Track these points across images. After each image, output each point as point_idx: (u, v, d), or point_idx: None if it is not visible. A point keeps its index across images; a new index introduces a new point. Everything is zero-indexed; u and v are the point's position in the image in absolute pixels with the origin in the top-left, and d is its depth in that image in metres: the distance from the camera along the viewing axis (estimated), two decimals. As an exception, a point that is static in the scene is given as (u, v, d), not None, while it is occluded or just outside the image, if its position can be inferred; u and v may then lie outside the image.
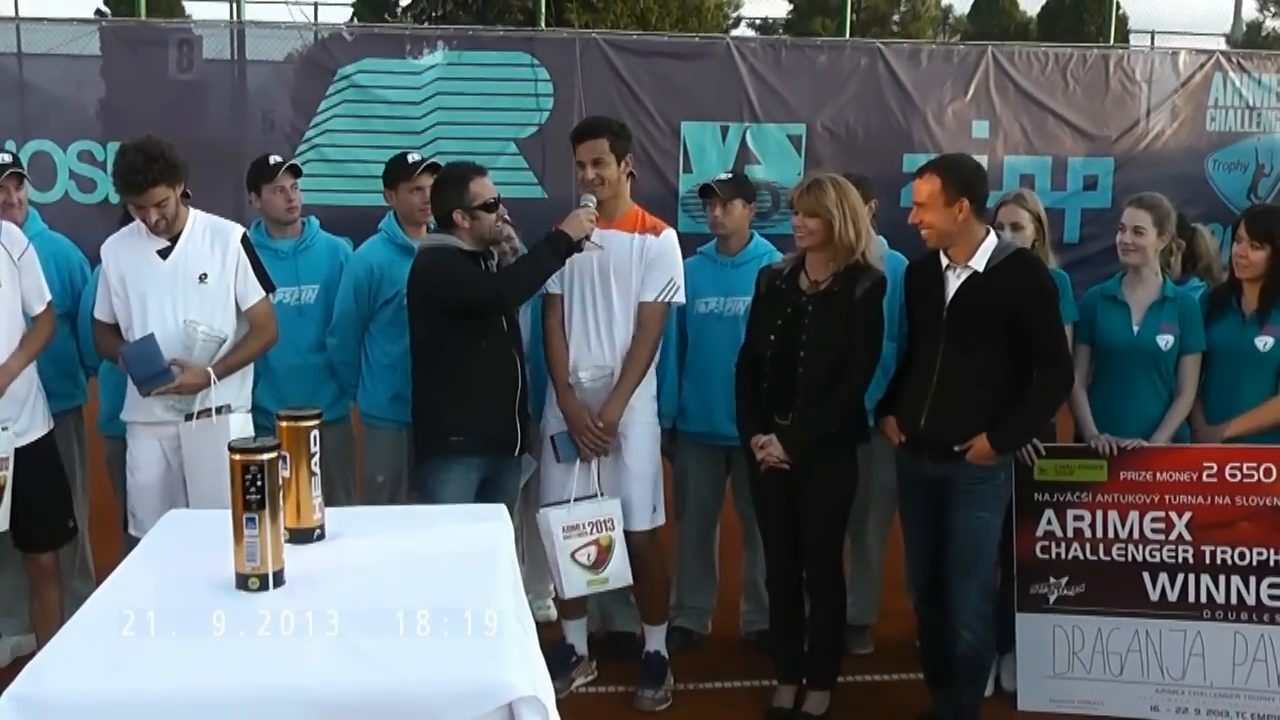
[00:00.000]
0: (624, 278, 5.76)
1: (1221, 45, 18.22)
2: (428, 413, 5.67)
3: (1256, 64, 15.16)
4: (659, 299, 5.77)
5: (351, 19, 28.38)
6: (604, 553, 5.78)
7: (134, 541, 4.13)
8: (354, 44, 11.97)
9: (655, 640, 6.11)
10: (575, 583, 5.82)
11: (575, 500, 5.79)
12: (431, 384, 5.63)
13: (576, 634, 6.20)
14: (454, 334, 5.53)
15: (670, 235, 5.83)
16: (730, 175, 6.71)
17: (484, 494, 5.49)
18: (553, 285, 5.81)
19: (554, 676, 5.65)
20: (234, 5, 19.34)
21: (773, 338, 5.45)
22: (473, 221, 5.55)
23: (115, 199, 9.90)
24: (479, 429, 5.58)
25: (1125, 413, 5.81)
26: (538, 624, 3.57)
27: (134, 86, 11.30)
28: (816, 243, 5.41)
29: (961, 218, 5.10)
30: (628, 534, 5.87)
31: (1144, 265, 5.87)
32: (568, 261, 5.66)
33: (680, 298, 5.86)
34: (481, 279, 5.57)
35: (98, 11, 29.24)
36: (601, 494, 5.82)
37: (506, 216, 5.75)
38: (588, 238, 5.54)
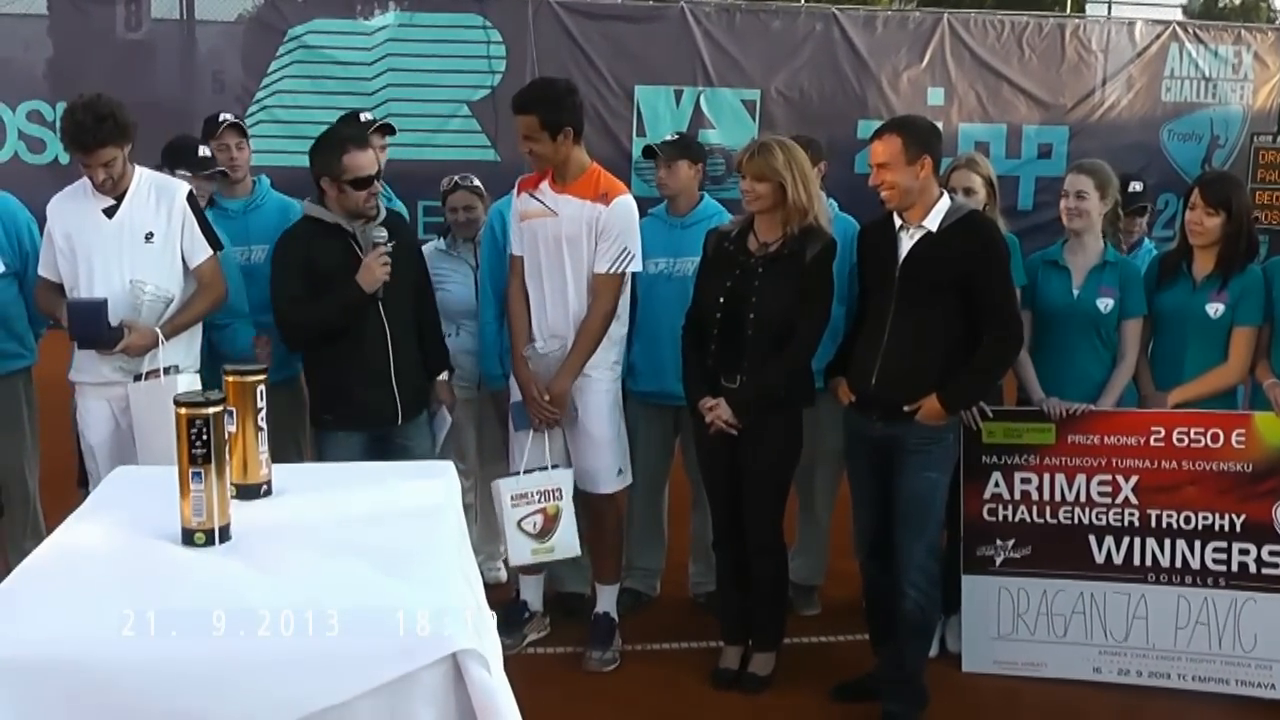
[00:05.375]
0: (576, 247, 5.72)
1: (1178, 16, 18.26)
2: (309, 388, 5.90)
3: (1213, 35, 15.23)
4: (612, 270, 5.73)
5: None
6: (550, 521, 5.79)
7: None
8: (304, 4, 11.89)
9: (605, 601, 6.13)
10: (519, 550, 5.86)
11: (526, 469, 5.82)
12: (308, 362, 5.86)
13: (532, 590, 6.24)
14: None
15: (622, 202, 5.74)
16: (675, 137, 6.64)
17: (387, 454, 5.53)
18: (515, 247, 5.83)
19: (507, 632, 5.73)
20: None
21: (721, 300, 5.45)
22: (339, 193, 5.53)
23: (65, 159, 9.82)
24: (349, 408, 5.66)
25: (1066, 376, 5.85)
26: (488, 586, 3.56)
27: (82, 46, 11.21)
28: (765, 206, 5.40)
29: (923, 176, 5.11)
30: (593, 496, 5.92)
31: (1087, 230, 5.90)
32: (524, 226, 5.73)
33: (636, 266, 5.82)
34: (284, 301, 5.61)
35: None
36: (553, 464, 5.84)
37: (378, 197, 5.67)
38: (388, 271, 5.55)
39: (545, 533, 5.81)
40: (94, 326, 5.26)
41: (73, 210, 5.46)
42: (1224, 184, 5.93)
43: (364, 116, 6.31)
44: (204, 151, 6.21)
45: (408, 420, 5.77)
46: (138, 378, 5.36)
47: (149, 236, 5.41)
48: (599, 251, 5.71)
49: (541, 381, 5.75)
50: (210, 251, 5.56)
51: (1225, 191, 5.78)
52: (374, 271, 5.51)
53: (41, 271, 5.59)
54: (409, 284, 5.75)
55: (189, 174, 5.96)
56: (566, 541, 5.84)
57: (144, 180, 5.48)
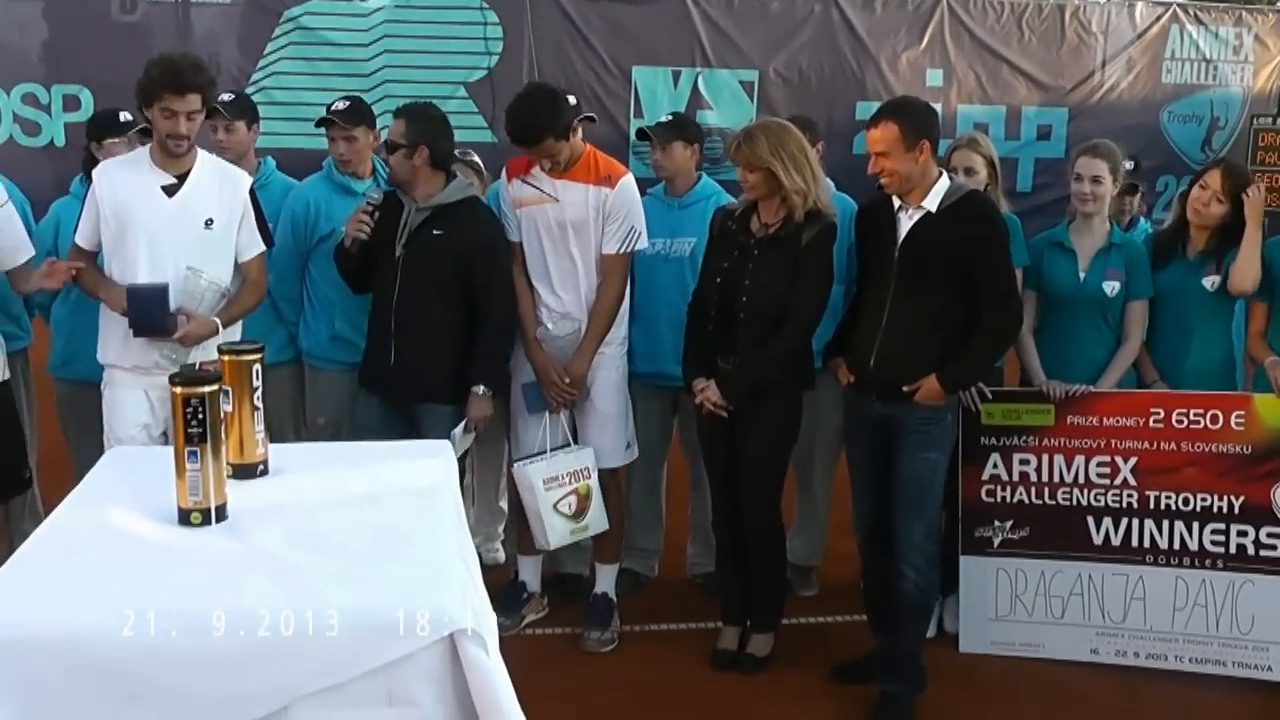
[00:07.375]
0: (582, 231, 5.75)
1: (1179, -3, 18.22)
2: None
3: (1214, 17, 15.14)
4: (621, 250, 5.78)
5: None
6: (583, 501, 5.83)
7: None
8: (300, -15, 11.83)
9: (604, 581, 6.13)
10: (559, 533, 5.85)
11: (552, 451, 5.81)
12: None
13: (530, 571, 6.22)
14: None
15: (625, 182, 5.79)
16: (669, 118, 6.56)
17: (408, 434, 5.45)
18: (512, 234, 5.84)
19: (506, 613, 5.73)
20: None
21: (719, 280, 5.44)
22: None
23: (61, 142, 9.78)
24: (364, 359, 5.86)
25: (1071, 358, 5.83)
26: (486, 566, 3.55)
27: (77, 28, 11.13)
28: (763, 193, 5.37)
29: (923, 160, 5.07)
30: (601, 471, 5.92)
31: (1098, 214, 5.88)
32: (521, 213, 5.81)
33: (643, 243, 5.87)
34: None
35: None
36: (572, 443, 5.89)
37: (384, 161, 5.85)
38: (365, 228, 5.61)
39: (580, 512, 5.84)
40: (157, 314, 5.06)
41: (128, 182, 5.18)
42: (1242, 177, 5.91)
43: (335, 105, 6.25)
44: (125, 116, 6.11)
45: (411, 403, 5.68)
46: (183, 368, 5.18)
47: (209, 223, 5.20)
48: (607, 233, 5.76)
49: (557, 363, 5.75)
50: (263, 247, 5.43)
51: (1242, 185, 5.80)
52: (347, 227, 5.62)
53: (78, 239, 5.31)
54: (448, 269, 5.59)
55: (118, 139, 5.98)
56: (598, 519, 5.89)
57: (207, 162, 5.28)
